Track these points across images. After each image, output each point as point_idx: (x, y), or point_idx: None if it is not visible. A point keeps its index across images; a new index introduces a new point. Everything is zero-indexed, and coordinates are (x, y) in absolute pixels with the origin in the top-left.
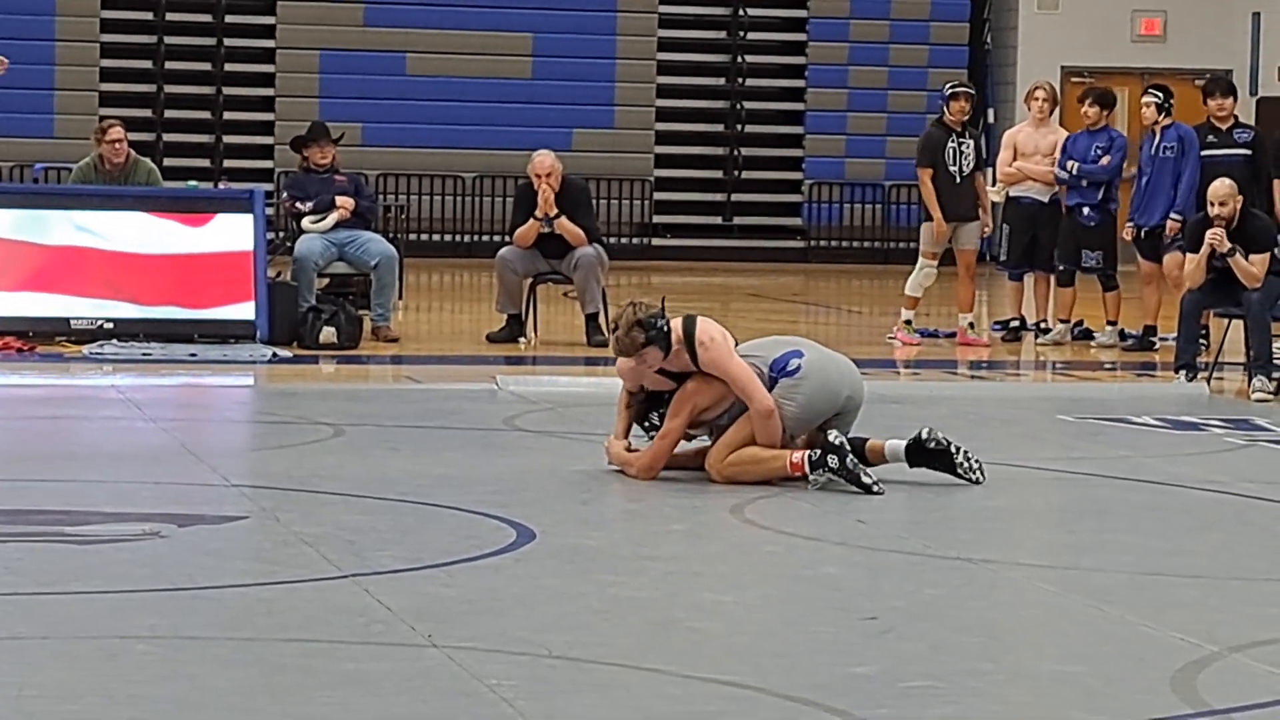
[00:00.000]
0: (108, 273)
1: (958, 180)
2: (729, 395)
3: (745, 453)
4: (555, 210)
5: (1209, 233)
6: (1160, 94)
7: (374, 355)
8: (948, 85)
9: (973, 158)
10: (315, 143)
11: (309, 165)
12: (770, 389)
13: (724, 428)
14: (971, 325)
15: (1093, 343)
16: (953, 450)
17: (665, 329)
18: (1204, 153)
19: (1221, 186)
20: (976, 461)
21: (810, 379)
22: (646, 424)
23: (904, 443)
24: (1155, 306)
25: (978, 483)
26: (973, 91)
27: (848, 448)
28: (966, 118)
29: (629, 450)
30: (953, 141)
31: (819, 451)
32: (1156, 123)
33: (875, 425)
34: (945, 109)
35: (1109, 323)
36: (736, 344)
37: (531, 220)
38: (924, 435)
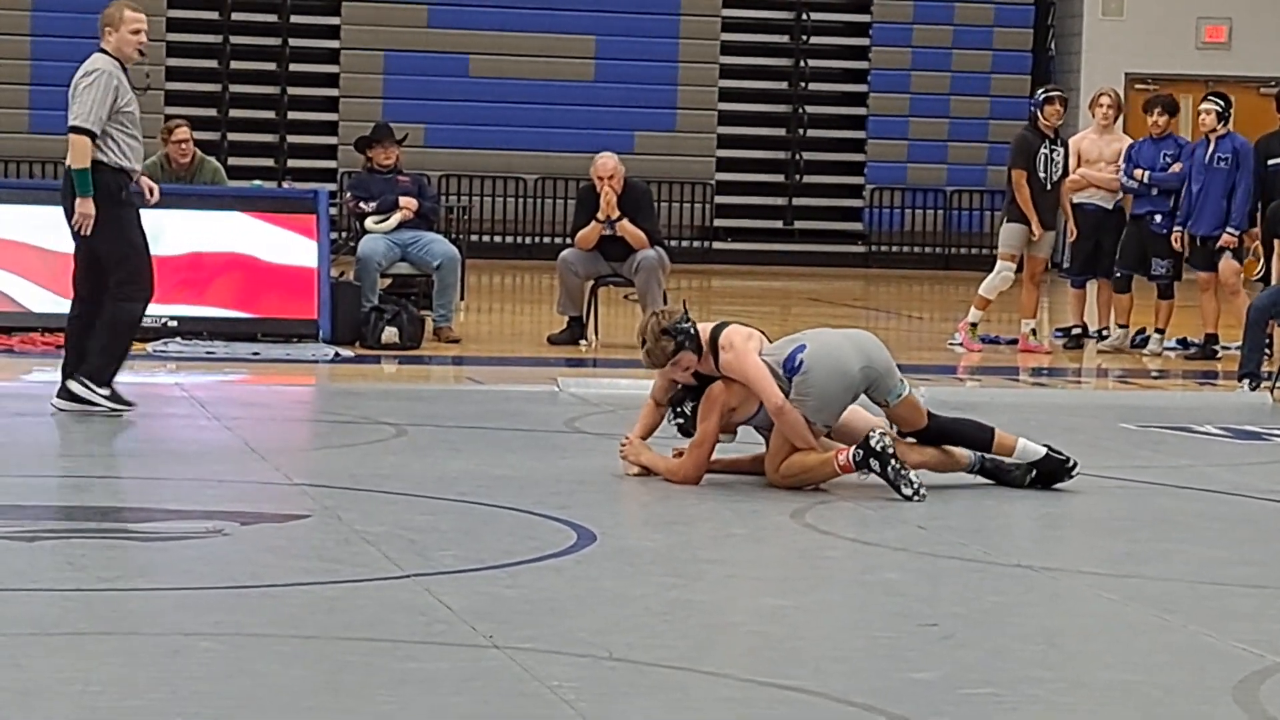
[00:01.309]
0: (173, 272)
1: (1047, 187)
2: (755, 395)
3: (794, 462)
4: (617, 213)
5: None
6: (1221, 102)
7: (436, 356)
8: (1041, 90)
9: (1061, 165)
10: (379, 143)
11: (373, 166)
12: (787, 390)
13: (761, 428)
14: (1034, 332)
15: (1143, 351)
16: (1070, 466)
17: (693, 331)
18: (1276, 161)
19: None
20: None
21: (815, 369)
22: (678, 410)
23: (1042, 452)
24: (1215, 314)
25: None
26: (1065, 96)
27: (891, 452)
28: (1060, 123)
29: (666, 454)
30: (1045, 147)
31: (861, 453)
32: (1214, 130)
33: None
34: (1039, 113)
35: (1158, 330)
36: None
37: (594, 222)
38: (1069, 464)
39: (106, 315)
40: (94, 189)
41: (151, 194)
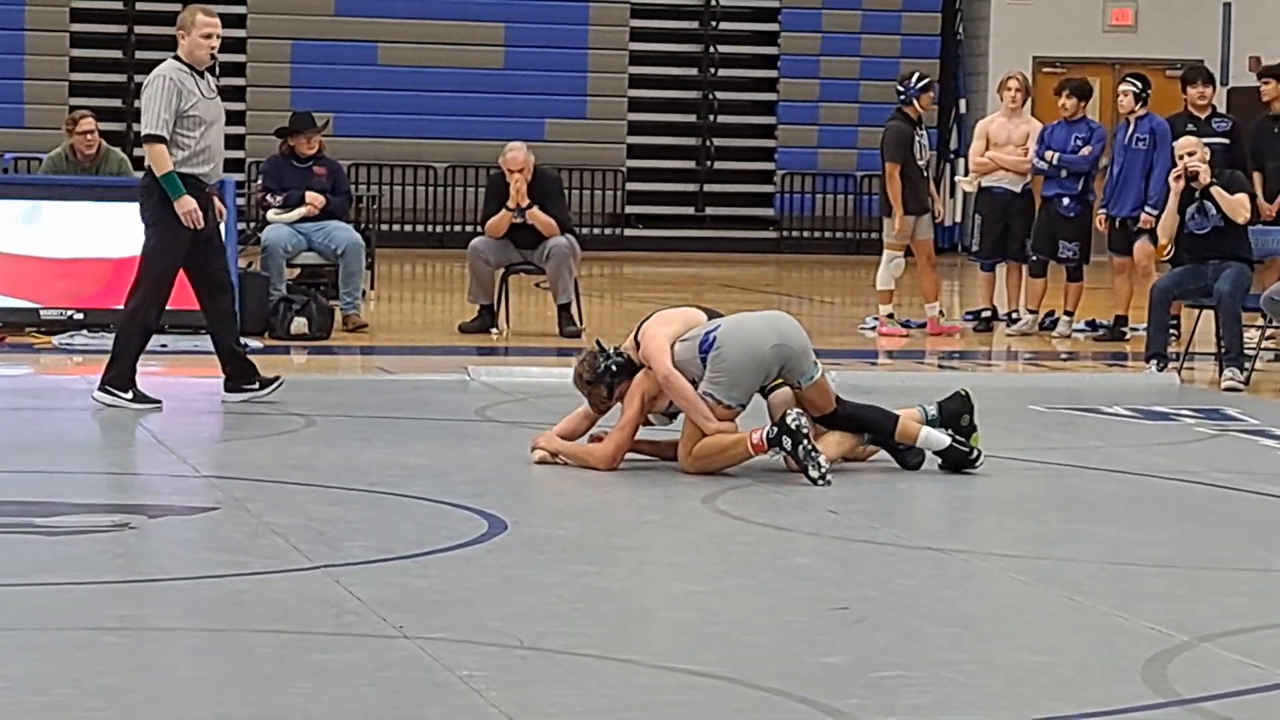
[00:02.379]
0: (77, 265)
1: (924, 173)
2: (681, 366)
3: (707, 443)
4: (527, 201)
5: (1183, 162)
6: (1139, 83)
7: (345, 345)
8: (916, 78)
9: (928, 149)
10: (300, 133)
11: (292, 153)
12: (701, 372)
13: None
14: (941, 313)
15: (1052, 333)
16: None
17: (616, 366)
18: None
19: (1185, 139)
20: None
21: (727, 345)
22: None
23: (946, 442)
24: (1127, 296)
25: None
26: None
27: (804, 433)
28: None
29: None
30: (918, 134)
31: (775, 430)
32: (1132, 112)
33: None
34: (916, 101)
35: (1066, 313)
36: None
37: (503, 211)
38: (972, 455)
39: (122, 316)
40: (156, 191)
41: (222, 215)
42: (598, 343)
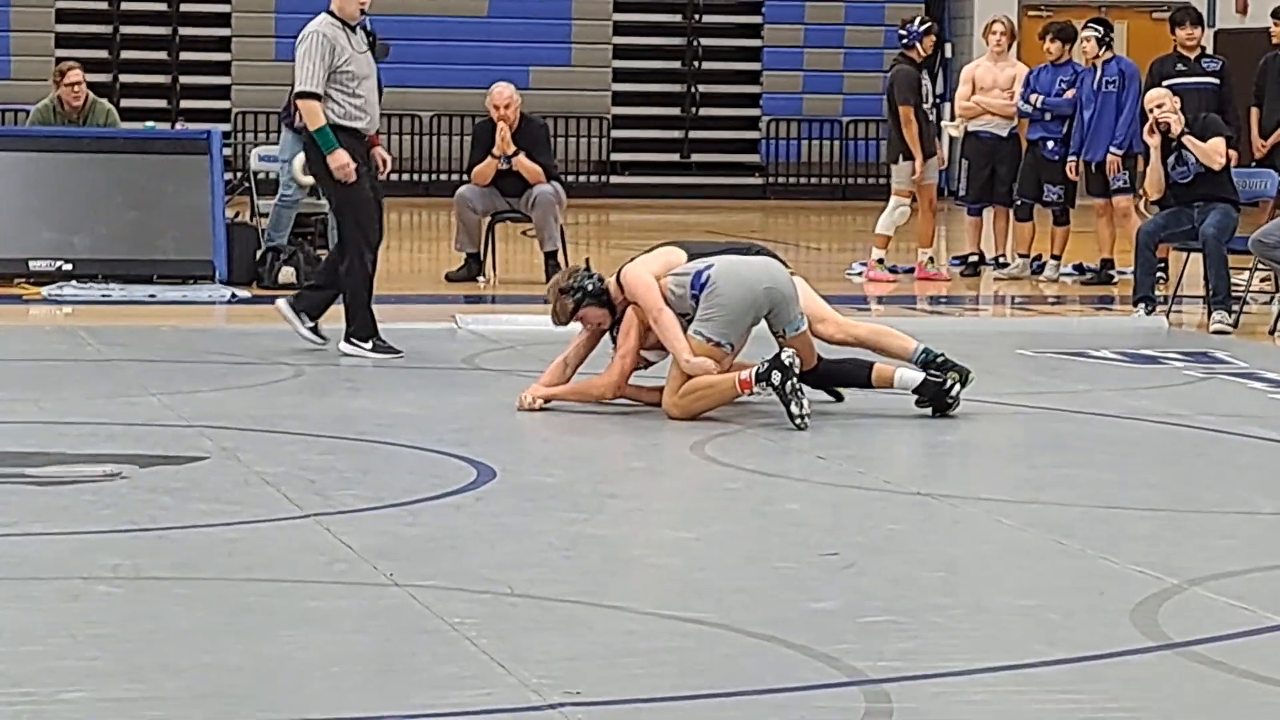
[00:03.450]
0: (67, 215)
1: (930, 117)
2: (672, 303)
3: (695, 382)
4: (513, 148)
5: (1155, 114)
6: (1100, 28)
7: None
8: (918, 21)
9: (931, 92)
10: None
11: None
12: (694, 310)
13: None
14: (931, 260)
15: (1039, 277)
16: (947, 388)
17: (592, 287)
18: (1172, 82)
19: (1153, 92)
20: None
21: (721, 282)
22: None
23: (918, 380)
24: (1110, 240)
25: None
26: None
27: (795, 371)
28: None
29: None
30: (924, 78)
31: (766, 365)
32: (1097, 56)
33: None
34: (919, 44)
35: (1054, 257)
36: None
37: (489, 158)
38: (946, 385)
39: (346, 271)
40: (316, 149)
41: (385, 164)
42: (586, 261)
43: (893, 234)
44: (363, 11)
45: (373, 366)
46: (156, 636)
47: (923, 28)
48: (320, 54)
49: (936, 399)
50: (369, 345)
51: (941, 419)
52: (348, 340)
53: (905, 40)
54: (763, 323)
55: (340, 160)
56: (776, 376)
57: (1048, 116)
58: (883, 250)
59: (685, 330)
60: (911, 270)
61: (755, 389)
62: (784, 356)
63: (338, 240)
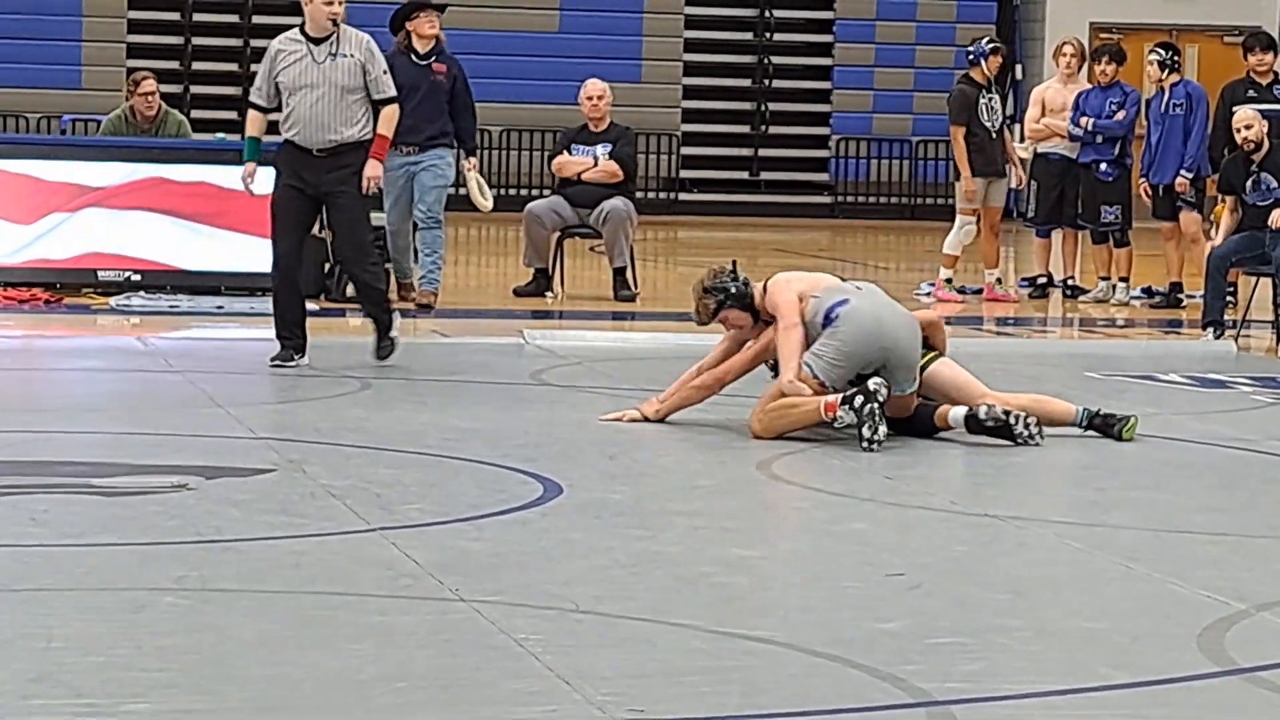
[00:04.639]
0: (137, 225)
1: (992, 136)
2: (807, 320)
3: (782, 400)
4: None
5: (1244, 134)
6: (1164, 51)
7: (401, 309)
8: (984, 41)
9: (1000, 113)
10: (420, 11)
11: (410, 46)
12: (815, 338)
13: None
14: (999, 281)
15: (1112, 300)
16: (1011, 421)
17: (735, 290)
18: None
19: (1244, 111)
20: (1036, 426)
21: (846, 326)
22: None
23: (964, 412)
24: (1179, 263)
25: (1037, 444)
26: (1003, 46)
27: (881, 398)
28: (997, 74)
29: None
30: (984, 97)
31: (854, 390)
32: (1161, 80)
33: None
34: (982, 64)
35: (1121, 279)
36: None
37: (575, 158)
38: (981, 414)
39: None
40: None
41: (367, 183)
42: (733, 262)
43: (960, 253)
44: (334, 24)
45: (435, 381)
46: (221, 648)
47: (989, 47)
48: (264, 65)
49: (994, 431)
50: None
51: (1009, 442)
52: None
53: (971, 59)
54: None
55: (245, 170)
56: (859, 399)
57: (1099, 139)
58: (950, 270)
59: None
60: (980, 291)
61: (839, 412)
62: (871, 383)
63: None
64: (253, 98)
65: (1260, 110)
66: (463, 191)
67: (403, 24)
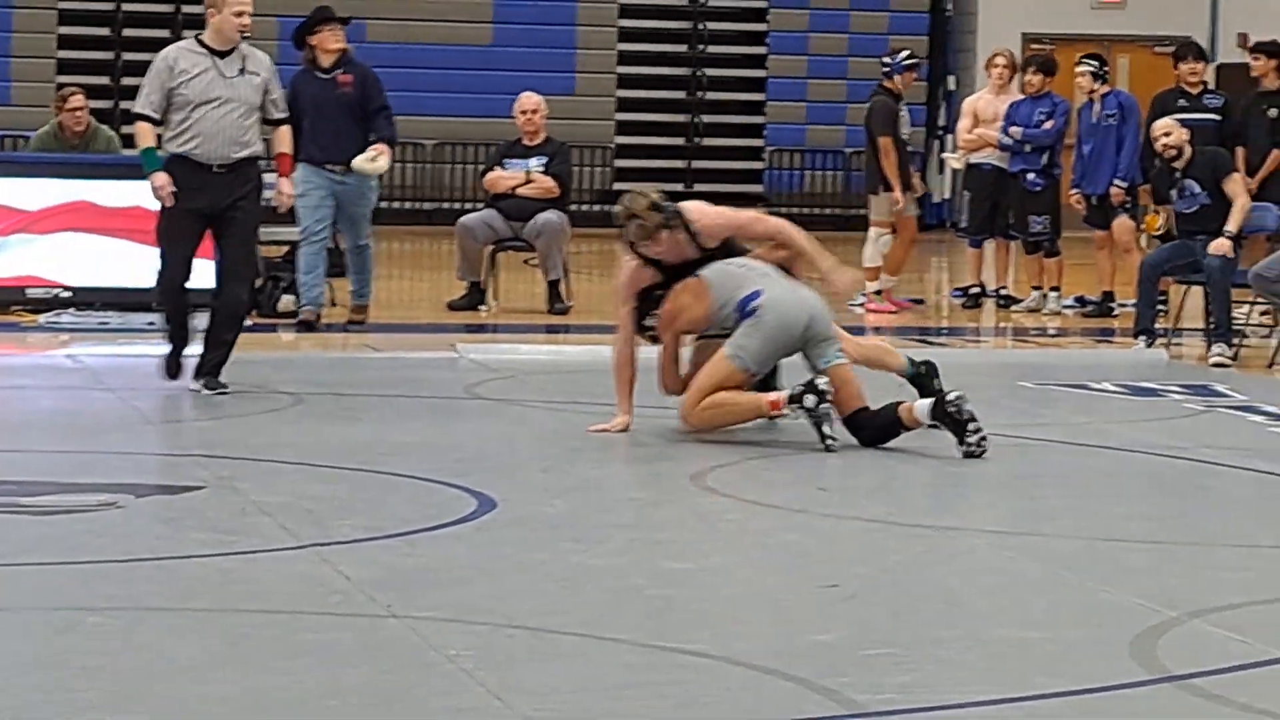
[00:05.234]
0: (67, 241)
1: (908, 148)
2: (711, 313)
3: (719, 396)
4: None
5: (1163, 141)
6: (1095, 62)
7: (333, 323)
8: (902, 55)
9: (908, 125)
10: (324, 25)
11: (314, 62)
12: (735, 327)
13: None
14: (879, 293)
15: (1044, 309)
16: (967, 429)
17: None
18: (1174, 117)
19: (1161, 120)
20: (984, 443)
21: (767, 315)
22: (647, 332)
23: (929, 404)
24: (1111, 272)
25: (978, 457)
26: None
27: (829, 397)
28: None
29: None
30: (902, 110)
31: (800, 388)
32: (1094, 91)
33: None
34: (898, 77)
35: (1053, 288)
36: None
37: (508, 173)
38: (950, 398)
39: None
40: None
41: (280, 198)
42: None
43: (880, 264)
44: (243, 34)
45: (368, 396)
46: (151, 668)
47: (904, 61)
48: (158, 77)
49: (948, 420)
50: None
51: (944, 451)
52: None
53: (886, 71)
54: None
55: (159, 180)
56: (810, 400)
57: (1027, 148)
58: (875, 282)
59: (718, 342)
60: (921, 301)
61: (786, 409)
62: (819, 381)
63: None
64: (144, 109)
65: (1191, 120)
66: (395, 206)
67: (305, 39)
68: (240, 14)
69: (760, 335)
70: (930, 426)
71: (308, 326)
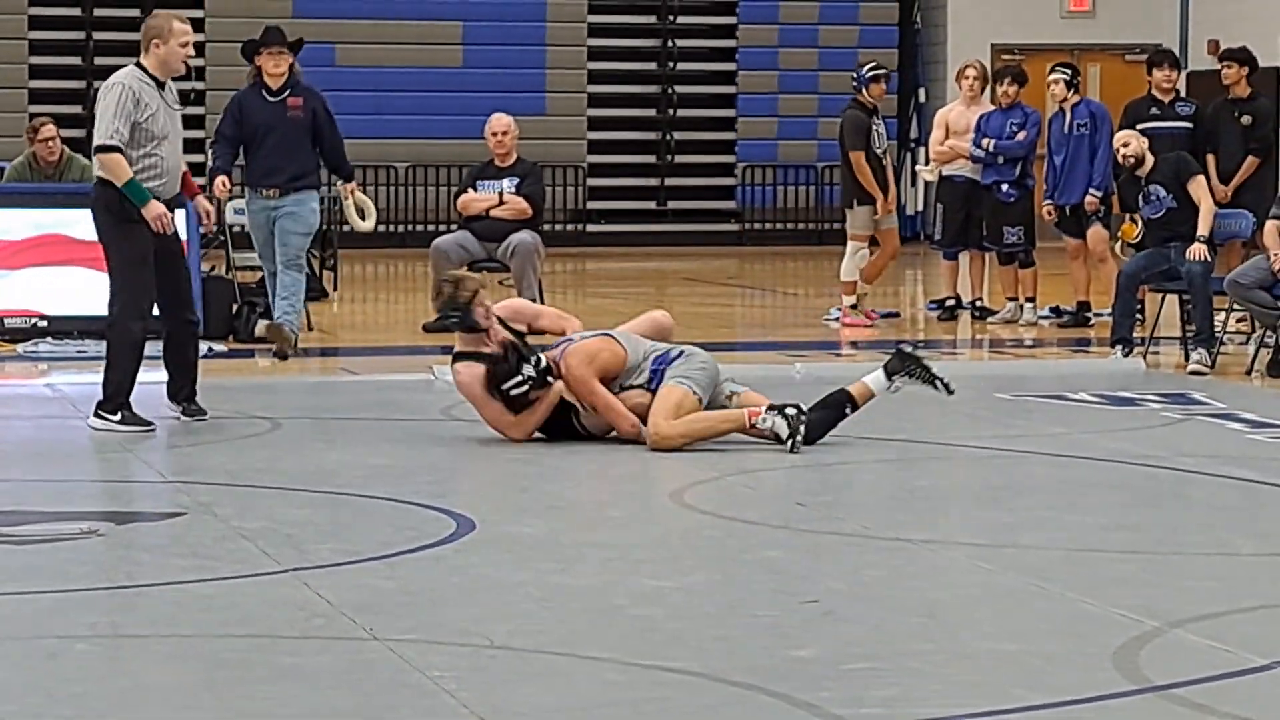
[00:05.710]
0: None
1: (883, 161)
2: (629, 363)
3: (704, 415)
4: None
5: (1122, 152)
6: (1068, 71)
7: (309, 347)
8: (867, 67)
9: (885, 138)
10: (267, 48)
11: (261, 82)
12: (657, 379)
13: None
14: (854, 307)
15: (1020, 320)
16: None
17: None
18: (1146, 125)
19: (1120, 133)
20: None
21: (696, 354)
22: (522, 380)
23: (882, 367)
24: (1085, 281)
25: (950, 392)
26: (890, 74)
27: (805, 417)
28: (883, 98)
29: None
30: (874, 123)
31: (783, 404)
32: (1065, 100)
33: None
34: (865, 90)
35: (1028, 299)
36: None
37: (481, 195)
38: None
39: (109, 340)
40: (103, 202)
41: (207, 216)
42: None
43: (857, 278)
44: (186, 66)
45: (345, 419)
46: (134, 694)
47: (870, 73)
48: (123, 108)
49: (912, 364)
50: (118, 418)
51: (920, 464)
52: (97, 414)
53: (855, 84)
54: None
55: (158, 210)
56: (790, 410)
57: (1000, 160)
58: (851, 296)
59: (656, 383)
60: (892, 315)
61: (765, 416)
62: (798, 404)
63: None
64: (115, 141)
65: (1162, 128)
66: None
67: (252, 59)
68: (186, 45)
69: (697, 366)
70: (892, 390)
71: (281, 355)
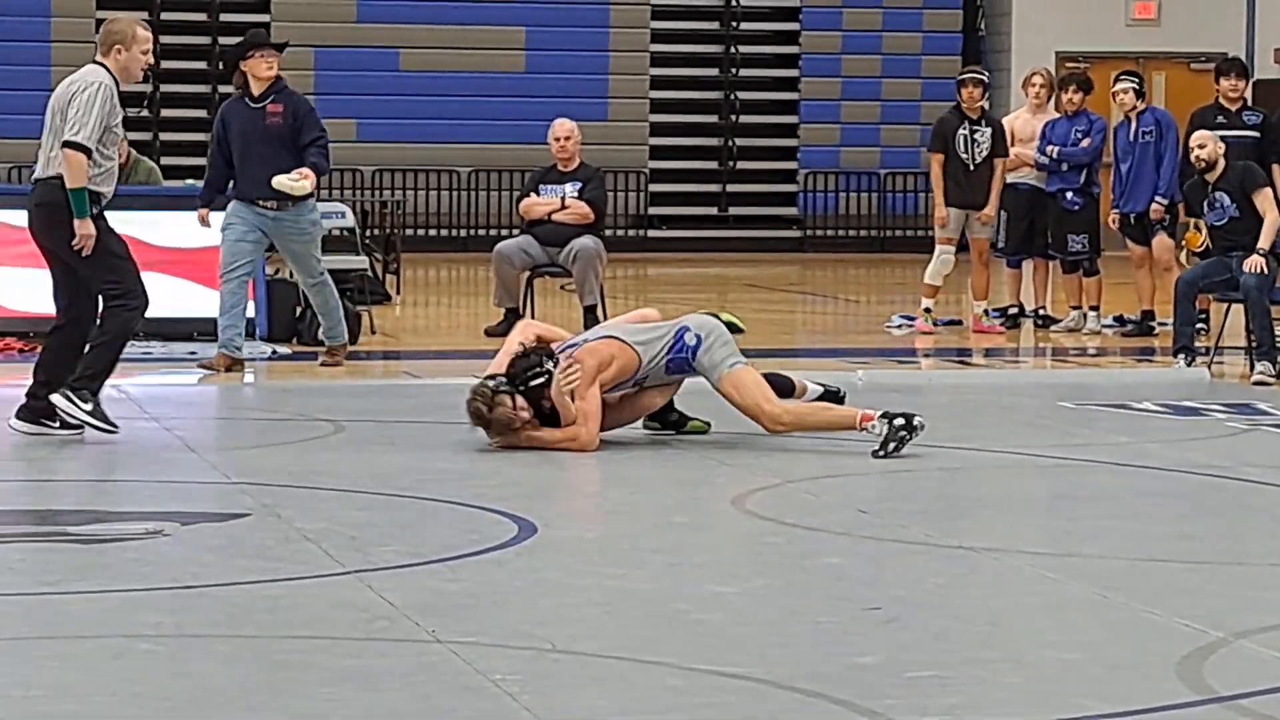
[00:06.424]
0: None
1: (970, 168)
2: (642, 364)
3: (812, 407)
4: (573, 195)
5: (1197, 153)
6: (1136, 79)
7: (372, 351)
8: (961, 72)
9: (987, 146)
10: (255, 50)
11: (246, 89)
12: (692, 360)
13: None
14: (986, 313)
15: (1083, 329)
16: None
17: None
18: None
19: (1198, 133)
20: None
21: (708, 322)
22: (542, 371)
23: (889, 423)
24: (1150, 291)
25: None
26: (982, 78)
27: (918, 430)
28: (979, 104)
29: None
30: (964, 128)
31: (899, 411)
32: (1134, 108)
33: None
34: (959, 95)
35: (1092, 308)
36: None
37: (543, 199)
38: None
39: (104, 326)
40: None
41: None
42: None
43: (939, 283)
44: (145, 76)
45: (407, 423)
46: (197, 695)
47: (959, 77)
48: (101, 109)
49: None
50: (89, 407)
51: (985, 472)
52: (66, 395)
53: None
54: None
55: (87, 229)
56: (900, 420)
57: (1065, 167)
58: (930, 300)
59: (679, 372)
60: (951, 323)
61: (876, 423)
62: (917, 418)
63: (103, 304)
64: (89, 143)
65: (1229, 136)
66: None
67: (237, 65)
68: (147, 52)
69: (724, 340)
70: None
71: (335, 364)
